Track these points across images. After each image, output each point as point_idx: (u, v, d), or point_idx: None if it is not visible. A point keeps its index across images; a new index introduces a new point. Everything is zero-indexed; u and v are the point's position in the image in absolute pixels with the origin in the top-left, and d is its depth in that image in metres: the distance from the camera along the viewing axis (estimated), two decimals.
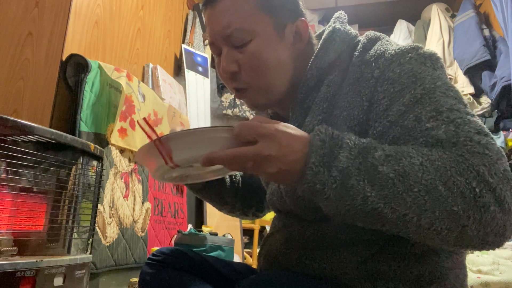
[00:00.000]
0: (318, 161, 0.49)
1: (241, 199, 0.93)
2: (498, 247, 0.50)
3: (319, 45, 0.72)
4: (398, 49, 0.63)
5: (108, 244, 1.50)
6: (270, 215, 2.05)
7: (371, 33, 0.70)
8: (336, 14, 0.76)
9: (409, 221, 0.48)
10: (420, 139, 0.53)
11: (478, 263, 1.50)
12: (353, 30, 0.74)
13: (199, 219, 2.45)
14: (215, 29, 0.70)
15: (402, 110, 0.57)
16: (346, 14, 0.77)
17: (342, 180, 0.48)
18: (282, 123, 0.53)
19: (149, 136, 0.55)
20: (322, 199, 0.50)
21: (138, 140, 1.76)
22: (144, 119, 0.59)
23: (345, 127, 0.63)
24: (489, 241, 0.49)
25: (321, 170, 0.49)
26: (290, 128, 0.52)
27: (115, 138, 1.59)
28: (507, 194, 0.48)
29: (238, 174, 0.95)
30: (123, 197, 1.65)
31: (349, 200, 0.48)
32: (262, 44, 0.69)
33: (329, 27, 0.74)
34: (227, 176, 0.92)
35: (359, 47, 0.68)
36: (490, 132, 0.53)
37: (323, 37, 0.73)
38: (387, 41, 0.67)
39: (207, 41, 2.93)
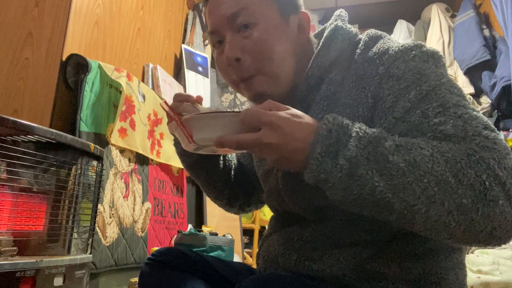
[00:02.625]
0: (324, 151, 0.50)
1: (230, 187, 0.92)
2: (504, 243, 0.50)
3: (320, 43, 0.72)
4: (401, 46, 0.63)
5: (108, 244, 1.50)
6: (270, 215, 2.04)
7: (372, 31, 0.70)
8: (337, 12, 0.76)
9: (417, 212, 0.48)
10: (428, 134, 0.53)
11: (478, 263, 1.49)
12: (353, 28, 0.74)
13: (199, 219, 2.45)
14: (220, 12, 0.69)
15: (408, 106, 0.57)
16: (346, 12, 0.77)
17: (350, 169, 0.49)
18: (290, 111, 0.53)
19: (172, 117, 0.62)
20: (327, 187, 0.51)
21: (138, 140, 1.76)
22: (165, 102, 0.67)
23: None
24: (496, 236, 0.48)
25: (326, 160, 0.49)
26: (296, 116, 0.52)
27: (115, 138, 1.59)
28: None
29: (232, 161, 0.94)
30: (123, 197, 1.64)
31: (357, 190, 0.49)
32: (268, 29, 0.68)
33: (330, 25, 0.74)
34: (221, 159, 0.90)
35: (360, 45, 0.68)
36: (495, 128, 0.53)
37: (324, 35, 0.73)
38: (388, 39, 0.67)
39: (207, 41, 2.92)
